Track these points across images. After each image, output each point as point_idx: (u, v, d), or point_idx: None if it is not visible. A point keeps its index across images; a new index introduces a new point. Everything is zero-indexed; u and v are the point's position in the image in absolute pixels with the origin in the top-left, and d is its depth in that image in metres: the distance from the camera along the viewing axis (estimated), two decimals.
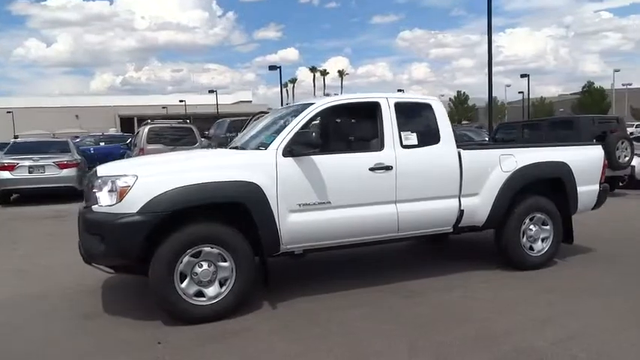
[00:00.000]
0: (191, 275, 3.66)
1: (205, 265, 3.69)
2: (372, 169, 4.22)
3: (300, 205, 3.98)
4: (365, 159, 4.23)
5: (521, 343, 3.27)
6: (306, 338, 3.44)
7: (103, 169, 3.86)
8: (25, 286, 4.86)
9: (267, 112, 6.78)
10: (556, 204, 5.08)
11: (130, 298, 4.36)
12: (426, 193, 4.48)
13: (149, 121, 12.87)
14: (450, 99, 67.02)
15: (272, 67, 31.10)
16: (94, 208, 3.67)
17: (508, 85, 67.36)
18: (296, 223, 3.96)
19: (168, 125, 12.75)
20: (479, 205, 4.71)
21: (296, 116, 4.28)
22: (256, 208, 3.79)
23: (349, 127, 4.44)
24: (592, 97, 50.83)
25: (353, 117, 4.53)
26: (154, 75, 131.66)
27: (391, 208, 4.33)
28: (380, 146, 4.33)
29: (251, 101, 76.27)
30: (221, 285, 3.75)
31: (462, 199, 4.64)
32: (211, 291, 3.72)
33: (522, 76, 37.40)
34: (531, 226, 4.97)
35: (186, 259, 3.63)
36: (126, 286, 4.65)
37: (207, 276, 3.69)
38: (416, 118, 4.57)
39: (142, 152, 11.93)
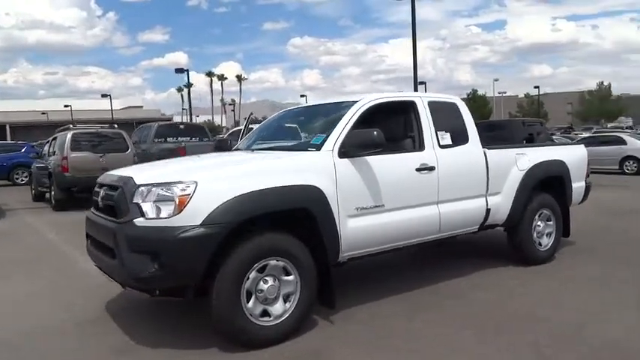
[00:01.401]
0: (256, 293, 3.23)
1: (271, 281, 3.28)
2: (418, 170, 4.09)
3: (357, 209, 3.71)
4: (411, 159, 4.09)
5: (603, 335, 3.33)
6: (387, 353, 3.19)
7: (142, 176, 3.27)
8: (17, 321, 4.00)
9: (252, 114, 6.30)
10: (556, 200, 5.35)
11: (156, 323, 3.76)
12: (461, 194, 4.45)
13: (70, 126, 11.47)
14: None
15: (179, 70, 29.62)
16: (138, 221, 3.09)
17: (400, 91, 71.04)
18: (354, 228, 3.69)
19: (94, 131, 11.48)
20: (501, 203, 4.80)
21: (336, 114, 4.02)
22: (321, 215, 3.46)
23: (392, 127, 4.25)
24: (476, 104, 55.51)
25: (393, 116, 4.35)
26: (22, 77, 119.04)
27: (434, 210, 4.23)
28: (420, 146, 4.22)
29: (142, 106, 72.14)
30: (284, 302, 3.36)
31: (488, 198, 4.69)
32: (277, 309, 3.31)
33: (421, 83, 39.59)
34: (539, 222, 5.18)
35: (252, 274, 3.20)
36: (135, 311, 4.03)
37: (273, 292, 3.28)
38: (446, 118, 4.51)
39: (66, 161, 10.64)
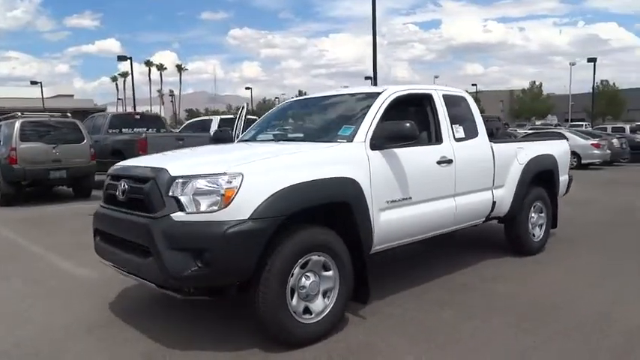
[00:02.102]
0: (298, 290, 3.10)
1: (312, 277, 3.16)
2: (438, 163, 4.10)
3: (388, 202, 3.66)
4: (432, 152, 4.09)
5: (629, 322, 3.49)
6: (433, 345, 3.17)
7: (177, 167, 3.03)
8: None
9: (245, 105, 6.04)
10: (547, 193, 5.56)
11: (174, 324, 3.51)
12: (473, 187, 4.51)
13: (18, 114, 10.55)
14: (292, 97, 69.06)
15: (121, 58, 28.10)
16: (176, 216, 2.86)
17: (345, 86, 71.87)
18: (385, 222, 3.63)
19: (46, 119, 10.65)
20: (504, 196, 4.92)
21: (358, 105, 3.96)
22: (358, 208, 3.37)
23: (411, 119, 4.19)
24: None
25: (412, 108, 4.31)
26: None
27: (452, 202, 4.26)
28: (438, 139, 4.23)
29: (73, 95, 68.04)
30: (323, 298, 3.25)
31: (494, 191, 4.79)
32: (318, 305, 3.19)
33: (366, 78, 40.06)
34: (533, 214, 5.36)
35: (296, 270, 3.06)
36: (144, 312, 3.76)
37: (314, 289, 3.16)
38: (458, 111, 4.55)
39: (14, 152, 9.81)
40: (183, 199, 2.87)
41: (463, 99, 4.72)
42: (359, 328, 3.43)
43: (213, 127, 13.81)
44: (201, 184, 2.86)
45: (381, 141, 3.64)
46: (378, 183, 3.55)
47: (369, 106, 3.83)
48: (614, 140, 18.43)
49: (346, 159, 3.45)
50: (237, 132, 5.48)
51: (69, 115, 11.16)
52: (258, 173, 2.96)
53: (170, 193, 2.90)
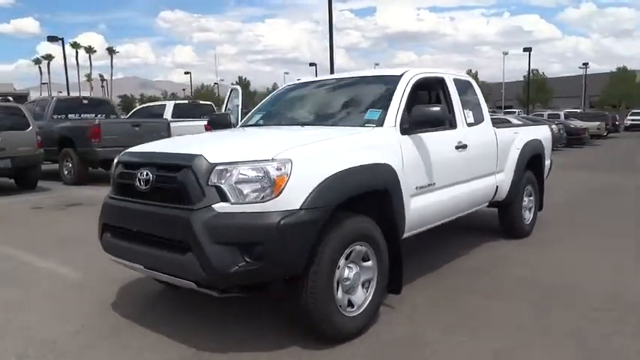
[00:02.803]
0: (341, 282, 2.94)
1: (354, 268, 3.01)
2: (456, 148, 4.05)
3: (417, 188, 3.57)
4: (451, 137, 4.04)
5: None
6: (472, 332, 3.13)
7: (215, 153, 2.74)
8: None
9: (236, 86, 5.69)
10: (535, 177, 5.71)
11: (202, 323, 3.25)
12: (481, 171, 4.53)
13: None
14: (232, 84, 67.47)
15: (52, 38, 26.02)
16: (219, 207, 2.60)
17: (287, 73, 71.39)
18: (414, 209, 3.54)
19: None
20: (504, 180, 4.98)
21: (377, 88, 3.83)
22: (395, 195, 3.25)
23: (427, 103, 4.12)
24: None
25: (429, 91, 4.22)
26: None
27: (467, 187, 4.25)
28: (452, 124, 4.17)
29: None
30: (362, 289, 3.11)
31: (497, 176, 4.83)
32: (359, 297, 3.05)
33: (311, 64, 40.02)
34: (525, 198, 5.49)
35: (342, 262, 2.90)
36: (158, 311, 3.47)
37: (356, 280, 3.02)
38: (467, 96, 4.53)
39: None
40: (226, 188, 2.62)
41: (470, 84, 4.70)
42: (395, 318, 3.32)
43: (167, 113, 13.19)
44: (246, 171, 2.62)
45: (409, 125, 3.53)
46: (408, 169, 3.44)
47: (391, 90, 3.70)
48: (554, 126, 19.43)
49: (381, 144, 3.32)
50: (231, 114, 5.11)
51: (10, 99, 10.17)
52: (306, 159, 2.75)
53: (210, 182, 2.64)
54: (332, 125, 3.70)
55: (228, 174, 2.63)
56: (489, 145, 4.65)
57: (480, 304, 3.59)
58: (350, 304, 3.00)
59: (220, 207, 2.61)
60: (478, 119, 4.54)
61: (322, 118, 3.91)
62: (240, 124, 4.56)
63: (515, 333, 3.11)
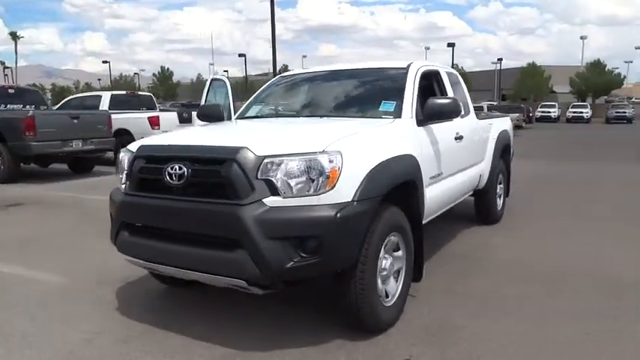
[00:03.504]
0: (379, 273, 2.96)
1: (389, 259, 3.04)
2: (455, 139, 4.19)
3: (430, 178, 3.65)
4: (451, 128, 4.16)
5: (630, 275, 3.97)
6: (502, 316, 3.28)
7: (263, 146, 2.61)
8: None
9: (219, 78, 5.40)
10: (504, 165, 6.05)
11: (231, 322, 3.12)
12: (471, 161, 4.73)
13: None
14: (154, 74, 64.63)
15: None
16: (270, 201, 2.51)
17: (212, 64, 69.51)
18: (429, 198, 3.62)
19: None
20: (484, 169, 5.23)
21: (383, 80, 3.89)
22: (419, 186, 3.32)
23: (427, 95, 4.19)
24: None
25: (428, 84, 4.30)
26: None
27: (462, 177, 4.42)
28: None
29: None
30: (394, 280, 3.15)
31: (480, 165, 5.07)
32: (392, 287, 3.09)
33: (240, 55, 39.30)
34: (498, 185, 5.80)
35: (382, 253, 2.91)
36: (173, 311, 3.30)
37: (390, 270, 3.05)
38: (456, 89, 4.68)
39: None
40: (277, 181, 2.53)
41: (457, 77, 4.87)
42: (416, 306, 3.39)
43: (104, 104, 12.42)
44: (299, 164, 2.54)
45: (424, 117, 3.60)
46: (424, 159, 3.51)
47: (402, 81, 3.75)
48: None
49: (403, 135, 3.36)
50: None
51: None
52: (354, 151, 2.71)
53: (260, 176, 2.54)
54: (350, 117, 3.68)
55: (279, 167, 2.54)
56: (477, 135, 4.86)
57: (487, 288, 3.76)
58: (386, 294, 3.03)
59: (271, 201, 2.52)
60: (466, 111, 4.72)
61: (337, 110, 3.86)
62: (236, 116, 4.40)
63: (537, 313, 3.28)
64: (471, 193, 5.10)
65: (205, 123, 4.31)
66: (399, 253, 3.14)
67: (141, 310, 3.40)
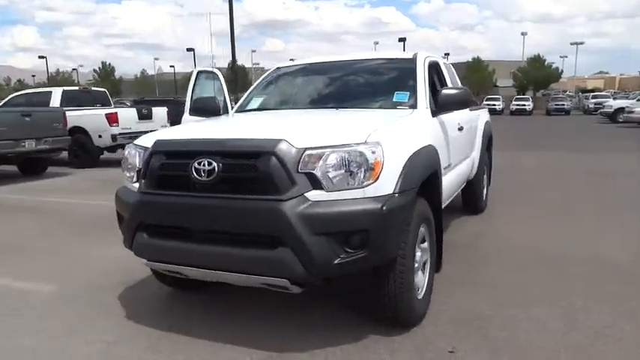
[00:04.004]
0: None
1: (419, 251, 3.00)
2: (458, 129, 4.21)
3: (444, 168, 3.64)
4: (455, 119, 4.16)
5: (623, 258, 4.14)
6: (526, 307, 3.32)
7: (302, 138, 2.48)
8: None
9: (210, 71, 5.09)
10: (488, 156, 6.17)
11: (258, 323, 2.98)
12: (468, 151, 4.79)
13: None
14: (95, 70, 61.79)
15: None
16: (313, 195, 2.40)
17: (157, 59, 67.19)
18: (443, 189, 3.61)
19: None
20: (475, 159, 5.30)
21: (392, 71, 3.85)
22: (440, 176, 3.30)
23: (431, 85, 4.17)
24: (235, 75, 56.84)
25: (430, 74, 4.28)
26: None
27: (463, 167, 4.45)
28: None
29: None
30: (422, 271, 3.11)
31: (473, 155, 5.13)
32: (421, 279, 3.05)
33: (189, 50, 38.20)
34: (483, 176, 5.91)
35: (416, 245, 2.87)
36: (197, 315, 3.12)
37: (420, 262, 3.01)
38: (452, 79, 4.71)
39: None
40: (319, 174, 2.42)
41: (452, 67, 4.90)
42: (439, 297, 3.37)
43: (55, 101, 11.70)
44: (342, 156, 2.44)
45: (437, 107, 3.58)
46: (440, 150, 3.49)
47: (411, 72, 3.72)
48: None
49: (424, 126, 3.32)
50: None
51: None
52: (391, 142, 2.63)
53: (301, 169, 2.42)
54: (366, 108, 3.60)
55: (321, 159, 2.43)
56: (472, 126, 4.92)
57: (497, 276, 3.80)
58: (417, 287, 2.99)
59: (314, 195, 2.41)
60: None
61: (349, 101, 3.76)
62: (235, 108, 4.21)
63: (559, 298, 3.32)
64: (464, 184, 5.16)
65: (200, 118, 4.10)
66: (425, 244, 3.10)
67: (151, 315, 3.21)
